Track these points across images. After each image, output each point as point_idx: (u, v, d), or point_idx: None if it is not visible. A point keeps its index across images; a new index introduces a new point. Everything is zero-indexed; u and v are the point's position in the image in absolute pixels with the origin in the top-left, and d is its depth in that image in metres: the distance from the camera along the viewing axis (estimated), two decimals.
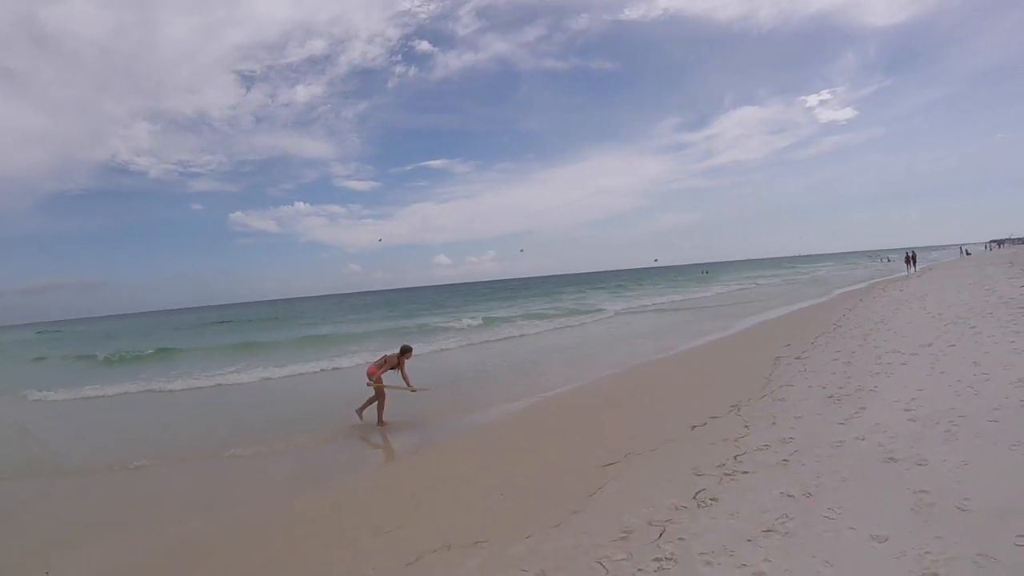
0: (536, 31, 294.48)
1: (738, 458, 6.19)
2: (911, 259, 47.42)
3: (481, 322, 33.19)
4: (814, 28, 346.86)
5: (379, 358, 11.42)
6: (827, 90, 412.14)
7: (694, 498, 5.23)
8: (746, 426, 7.44)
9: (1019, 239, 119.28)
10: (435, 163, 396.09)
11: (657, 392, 10.93)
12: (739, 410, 8.32)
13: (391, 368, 11.21)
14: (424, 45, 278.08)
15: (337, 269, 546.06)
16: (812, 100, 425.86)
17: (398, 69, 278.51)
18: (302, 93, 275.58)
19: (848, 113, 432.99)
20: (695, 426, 7.79)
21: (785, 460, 5.92)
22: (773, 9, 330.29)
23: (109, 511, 7.56)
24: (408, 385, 11.14)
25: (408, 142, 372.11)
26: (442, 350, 21.62)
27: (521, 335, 25.68)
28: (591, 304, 44.66)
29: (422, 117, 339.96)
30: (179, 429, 12.06)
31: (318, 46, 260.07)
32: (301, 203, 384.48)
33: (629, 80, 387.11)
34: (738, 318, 24.44)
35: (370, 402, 11.05)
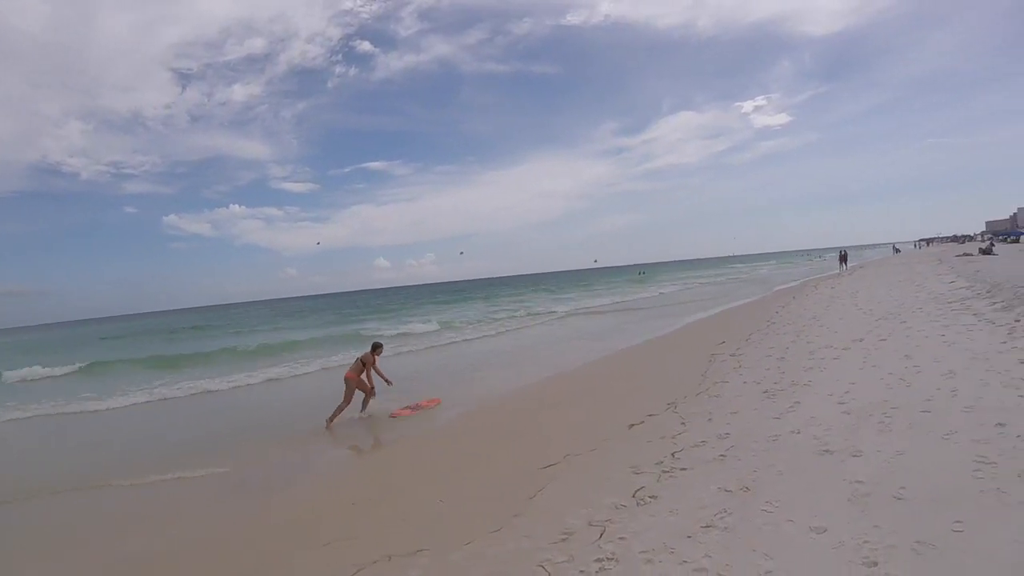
0: (478, 34, 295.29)
1: (676, 455, 6.19)
2: (843, 257, 49.31)
3: (433, 327, 32.39)
4: (752, 37, 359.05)
5: (355, 363, 11.64)
6: (763, 96, 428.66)
7: (633, 496, 5.20)
8: (683, 423, 7.46)
9: (947, 237, 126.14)
10: (375, 165, 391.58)
11: (597, 393, 10.91)
12: (676, 407, 8.34)
13: (368, 367, 11.59)
14: (365, 45, 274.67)
15: (274, 273, 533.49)
16: (748, 106, 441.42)
17: (338, 69, 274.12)
18: (239, 92, 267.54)
19: (783, 119, 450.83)
20: (633, 424, 7.77)
21: (722, 455, 5.94)
22: (713, 18, 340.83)
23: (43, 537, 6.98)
24: (385, 380, 11.56)
25: (347, 143, 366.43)
26: (390, 355, 20.95)
27: (465, 339, 25.29)
28: (531, 307, 44.47)
29: (362, 118, 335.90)
30: (100, 451, 11.35)
31: (258, 44, 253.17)
32: (237, 206, 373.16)
33: (570, 84, 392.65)
34: (675, 317, 24.75)
35: (365, 401, 11.59)
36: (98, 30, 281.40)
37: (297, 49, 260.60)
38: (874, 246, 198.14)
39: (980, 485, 4.28)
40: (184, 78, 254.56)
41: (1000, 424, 5.47)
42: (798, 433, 6.25)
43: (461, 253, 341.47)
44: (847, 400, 7.24)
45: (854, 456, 5.31)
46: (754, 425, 6.83)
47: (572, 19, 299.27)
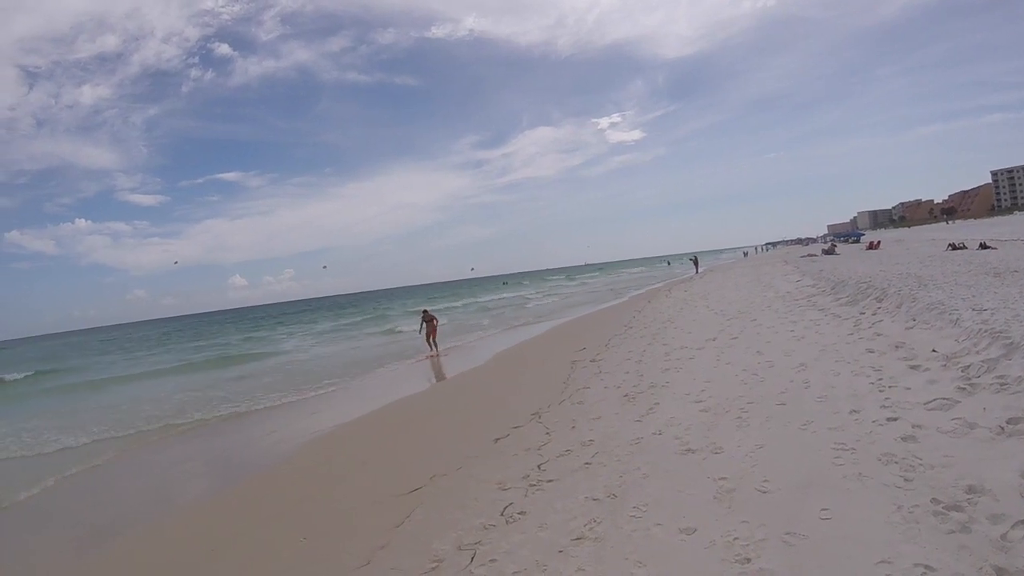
0: (341, 42, 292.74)
1: (542, 467, 6.20)
2: (695, 262, 52.67)
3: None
4: (608, 57, 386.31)
5: (425, 329, 20.12)
6: (617, 113, 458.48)
7: (502, 514, 5.15)
8: (548, 433, 7.51)
9: (792, 240, 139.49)
10: (228, 176, 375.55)
11: (459, 407, 10.85)
12: (540, 417, 8.40)
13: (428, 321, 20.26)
14: (224, 48, 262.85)
15: (121, 296, 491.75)
16: (603, 122, 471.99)
17: (194, 72, 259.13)
18: (88, 94, 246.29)
19: (636, 135, 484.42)
20: (498, 438, 7.73)
21: (587, 463, 6.00)
22: (572, 38, 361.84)
23: None
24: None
25: (200, 152, 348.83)
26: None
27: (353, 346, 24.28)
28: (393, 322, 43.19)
29: (216, 126, 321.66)
30: None
31: (110, 42, 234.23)
32: (82, 220, 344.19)
33: (431, 97, 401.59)
34: (536, 324, 25.40)
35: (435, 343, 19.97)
36: None
37: (152, 49, 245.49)
38: (723, 251, 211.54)
39: (842, 471, 4.55)
40: (32, 77, 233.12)
41: (854, 411, 5.89)
42: (660, 434, 6.44)
43: (324, 267, 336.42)
44: (704, 398, 7.56)
45: (715, 453, 5.53)
46: (617, 429, 6.98)
47: (437, 32, 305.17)
